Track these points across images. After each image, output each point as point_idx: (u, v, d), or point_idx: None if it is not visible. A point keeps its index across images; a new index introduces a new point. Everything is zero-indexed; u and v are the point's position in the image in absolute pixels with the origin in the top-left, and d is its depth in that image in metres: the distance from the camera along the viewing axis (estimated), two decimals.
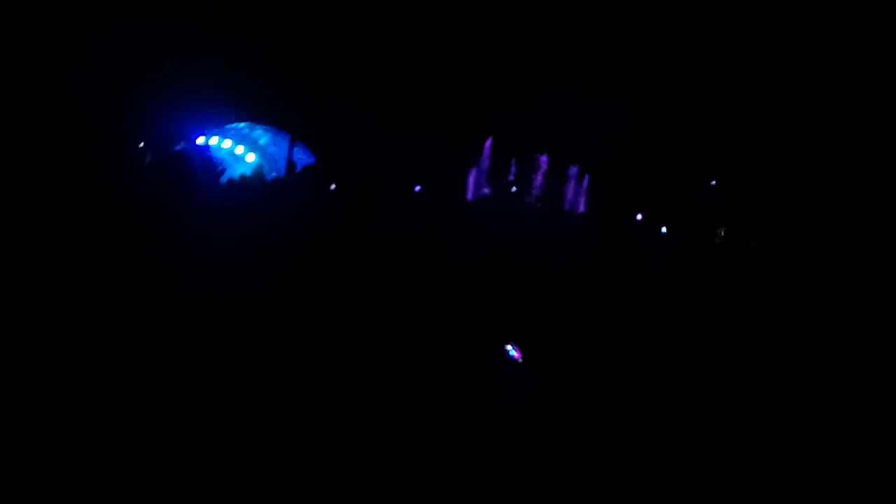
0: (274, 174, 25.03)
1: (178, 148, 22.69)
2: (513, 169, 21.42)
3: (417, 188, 18.08)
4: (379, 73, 26.57)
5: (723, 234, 25.69)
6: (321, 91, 26.42)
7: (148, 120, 21.47)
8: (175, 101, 23.63)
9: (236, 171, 20.53)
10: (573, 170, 24.94)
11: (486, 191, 17.56)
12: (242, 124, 29.73)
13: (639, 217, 24.00)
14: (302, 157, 25.78)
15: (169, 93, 23.72)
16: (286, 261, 7.73)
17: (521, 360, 5.99)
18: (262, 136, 30.46)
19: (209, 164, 10.64)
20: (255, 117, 29.39)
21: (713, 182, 30.10)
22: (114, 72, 21.02)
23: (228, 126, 28.54)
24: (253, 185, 10.53)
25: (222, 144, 27.17)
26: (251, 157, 27.56)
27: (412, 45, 26.49)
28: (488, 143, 22.80)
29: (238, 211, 9.22)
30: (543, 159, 23.82)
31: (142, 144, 20.81)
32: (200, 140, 24.27)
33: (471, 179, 20.79)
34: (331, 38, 26.48)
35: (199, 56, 25.26)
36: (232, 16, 25.59)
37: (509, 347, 6.09)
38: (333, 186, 10.57)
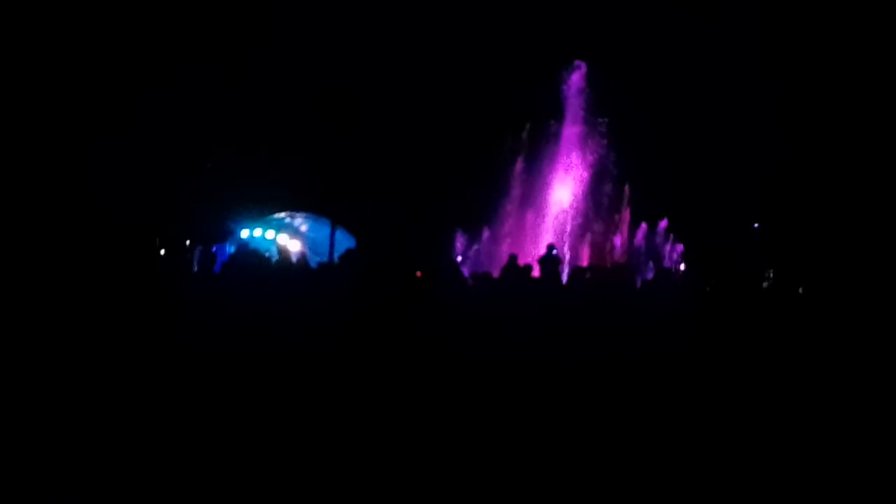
0: (318, 259, 25.43)
1: (224, 244, 23.33)
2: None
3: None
4: (411, 157, 26.89)
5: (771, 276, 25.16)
6: (355, 176, 26.95)
7: (192, 218, 22.17)
8: (216, 198, 24.40)
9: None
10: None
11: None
12: (283, 214, 30.54)
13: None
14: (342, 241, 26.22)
15: (211, 190, 24.53)
16: (333, 343, 7.83)
17: None
18: (303, 223, 31.18)
19: (256, 255, 10.91)
20: (295, 206, 30.19)
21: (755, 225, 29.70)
22: (157, 173, 21.81)
23: (270, 217, 29.32)
24: (300, 270, 10.73)
25: (266, 235, 27.82)
26: (295, 245, 28.09)
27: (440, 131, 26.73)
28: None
29: (289, 296, 9.40)
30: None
31: (188, 242, 21.38)
32: (244, 234, 24.91)
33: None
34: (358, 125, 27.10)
35: (239, 153, 26.13)
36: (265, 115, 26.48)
37: None
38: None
